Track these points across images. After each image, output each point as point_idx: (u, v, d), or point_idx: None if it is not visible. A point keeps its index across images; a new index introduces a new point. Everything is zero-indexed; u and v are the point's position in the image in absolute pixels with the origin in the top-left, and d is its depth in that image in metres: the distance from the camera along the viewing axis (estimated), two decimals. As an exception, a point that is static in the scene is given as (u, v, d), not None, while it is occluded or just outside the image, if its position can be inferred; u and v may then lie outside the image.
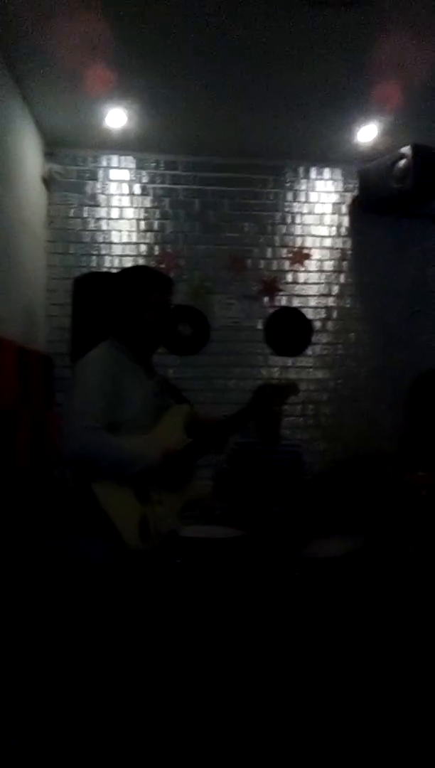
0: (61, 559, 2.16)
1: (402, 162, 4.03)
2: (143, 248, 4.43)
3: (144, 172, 4.45)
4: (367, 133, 4.11)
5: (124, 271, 2.55)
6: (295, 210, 4.63)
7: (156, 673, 2.29)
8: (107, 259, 4.38)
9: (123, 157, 4.42)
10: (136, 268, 2.75)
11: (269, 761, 2.40)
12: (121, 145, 4.25)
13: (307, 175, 4.65)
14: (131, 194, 4.44)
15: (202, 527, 3.16)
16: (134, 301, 2.29)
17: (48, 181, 4.20)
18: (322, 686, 2.60)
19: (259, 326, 4.55)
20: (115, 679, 2.09)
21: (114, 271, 4.31)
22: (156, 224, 4.46)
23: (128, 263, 4.36)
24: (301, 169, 4.63)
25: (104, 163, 4.40)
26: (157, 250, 4.44)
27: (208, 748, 2.42)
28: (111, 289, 2.39)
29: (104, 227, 4.39)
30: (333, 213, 4.68)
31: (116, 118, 3.84)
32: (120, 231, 4.41)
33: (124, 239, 4.41)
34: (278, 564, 2.89)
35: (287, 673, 2.64)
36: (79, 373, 2.22)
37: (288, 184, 4.62)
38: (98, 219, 4.38)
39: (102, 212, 4.39)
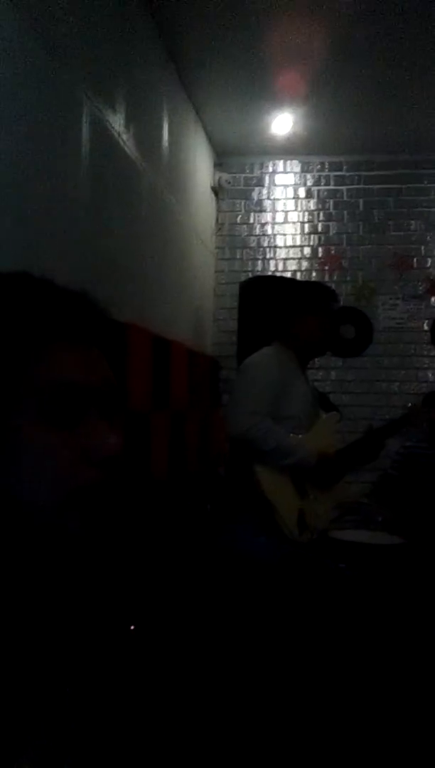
0: (227, 554, 2.29)
1: None
2: (307, 251, 4.48)
3: (308, 175, 4.50)
4: None
5: (296, 285, 2.69)
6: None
7: (322, 667, 2.36)
8: (272, 263, 4.48)
9: (288, 162, 4.50)
10: (307, 284, 2.89)
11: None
12: (286, 149, 4.34)
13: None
14: (296, 198, 4.51)
15: (360, 532, 3.15)
16: (303, 316, 2.43)
17: (217, 190, 4.39)
18: None
19: (425, 327, 4.41)
20: (280, 679, 2.18)
21: (278, 274, 4.42)
22: (320, 226, 4.49)
23: (292, 266, 4.44)
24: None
25: (270, 169, 4.52)
26: (320, 252, 4.47)
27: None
28: (279, 297, 2.54)
29: (270, 231, 4.50)
30: None
31: (282, 123, 3.93)
32: (285, 235, 4.50)
33: (289, 243, 4.49)
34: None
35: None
36: (247, 370, 2.40)
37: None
38: (264, 224, 4.51)
39: (268, 217, 4.50)
